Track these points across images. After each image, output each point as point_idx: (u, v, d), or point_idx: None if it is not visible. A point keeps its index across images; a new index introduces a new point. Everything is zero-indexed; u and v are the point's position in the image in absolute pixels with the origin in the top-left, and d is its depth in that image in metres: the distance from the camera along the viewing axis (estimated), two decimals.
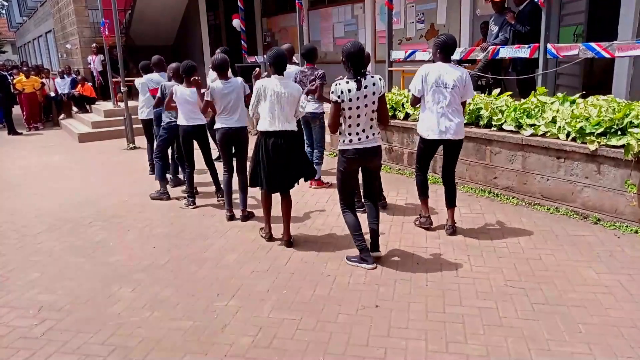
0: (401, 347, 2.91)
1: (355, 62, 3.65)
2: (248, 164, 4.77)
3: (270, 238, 4.57)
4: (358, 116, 3.72)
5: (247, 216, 5.16)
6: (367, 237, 4.05)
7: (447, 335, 3.00)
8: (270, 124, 4.22)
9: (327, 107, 4.40)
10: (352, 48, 3.65)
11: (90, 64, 14.24)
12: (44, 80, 13.89)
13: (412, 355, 2.83)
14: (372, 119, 3.79)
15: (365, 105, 3.70)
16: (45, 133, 12.73)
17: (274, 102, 4.21)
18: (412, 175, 6.38)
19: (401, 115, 6.50)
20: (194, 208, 5.64)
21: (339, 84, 3.70)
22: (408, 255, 4.13)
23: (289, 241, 4.43)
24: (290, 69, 6.65)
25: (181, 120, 5.49)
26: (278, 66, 4.27)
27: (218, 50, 6.86)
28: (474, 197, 5.45)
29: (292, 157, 4.30)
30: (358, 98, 3.66)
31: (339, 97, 3.67)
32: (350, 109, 3.69)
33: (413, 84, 4.30)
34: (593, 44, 5.28)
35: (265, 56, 6.11)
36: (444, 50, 4.20)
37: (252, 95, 4.39)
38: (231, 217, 5.17)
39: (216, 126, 5.00)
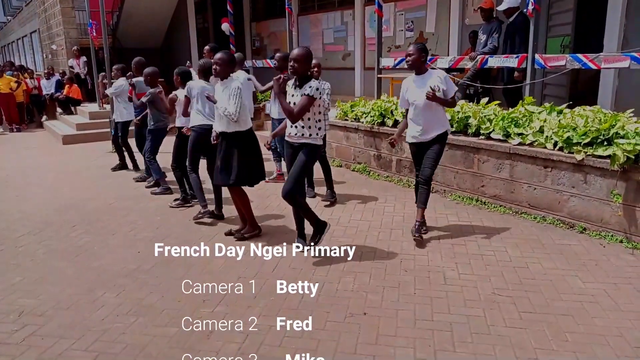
0: (389, 355, 2.89)
1: None
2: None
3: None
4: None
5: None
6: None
7: (435, 344, 2.99)
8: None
9: None
10: None
11: (72, 67, 14.02)
12: (27, 80, 13.65)
13: None
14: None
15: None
16: (28, 134, 12.53)
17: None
18: (400, 183, 6.41)
19: (390, 122, 6.51)
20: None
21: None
22: (396, 262, 4.12)
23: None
24: (240, 74, 6.51)
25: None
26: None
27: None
28: (462, 205, 5.47)
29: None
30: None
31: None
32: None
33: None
34: (580, 55, 5.36)
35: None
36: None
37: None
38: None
39: None
